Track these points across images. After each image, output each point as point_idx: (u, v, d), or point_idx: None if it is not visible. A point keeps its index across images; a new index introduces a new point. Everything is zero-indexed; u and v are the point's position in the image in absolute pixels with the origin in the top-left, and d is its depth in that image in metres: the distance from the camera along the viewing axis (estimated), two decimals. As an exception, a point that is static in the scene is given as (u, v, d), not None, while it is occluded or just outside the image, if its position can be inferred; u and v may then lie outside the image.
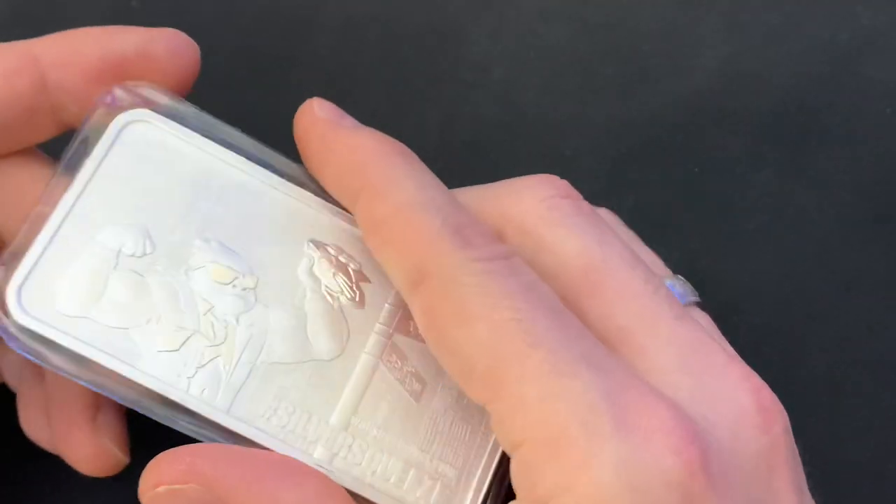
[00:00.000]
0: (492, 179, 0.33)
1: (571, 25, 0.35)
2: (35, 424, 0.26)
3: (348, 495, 0.21)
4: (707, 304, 0.29)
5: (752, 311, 0.32)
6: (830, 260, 0.33)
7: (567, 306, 0.21)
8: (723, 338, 0.24)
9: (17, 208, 0.23)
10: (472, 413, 0.22)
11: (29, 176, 0.23)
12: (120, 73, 0.23)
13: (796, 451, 0.22)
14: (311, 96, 0.33)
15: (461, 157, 0.33)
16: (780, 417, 0.21)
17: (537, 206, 0.22)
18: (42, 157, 0.24)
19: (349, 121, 0.23)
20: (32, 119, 0.23)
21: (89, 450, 0.25)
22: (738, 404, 0.21)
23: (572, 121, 0.33)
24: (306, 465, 0.21)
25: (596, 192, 0.33)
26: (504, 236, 0.22)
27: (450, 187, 0.32)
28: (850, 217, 0.33)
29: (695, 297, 0.24)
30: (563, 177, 0.32)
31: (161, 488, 0.20)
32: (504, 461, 0.22)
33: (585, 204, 0.23)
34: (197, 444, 0.21)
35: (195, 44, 0.24)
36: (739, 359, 0.22)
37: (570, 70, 0.34)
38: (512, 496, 0.20)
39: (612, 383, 0.19)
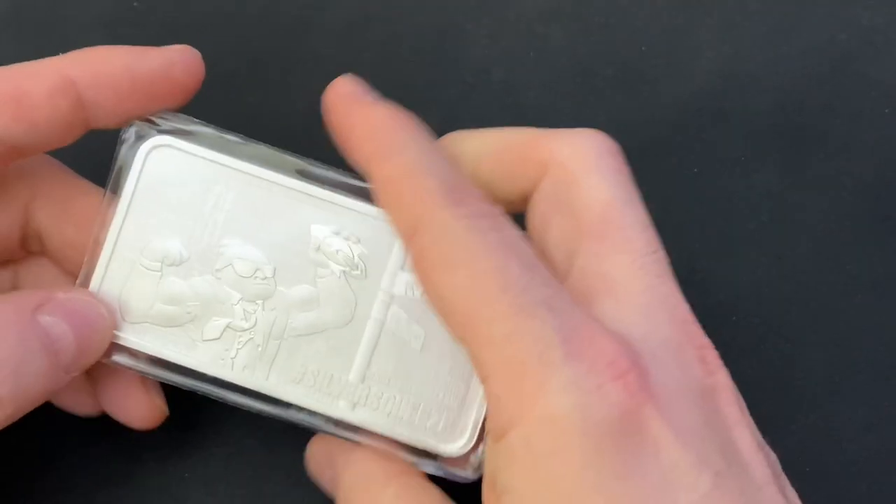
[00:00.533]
0: (492, 179, 0.33)
1: (571, 27, 0.35)
2: (75, 399, 0.29)
3: (400, 458, 0.26)
4: (707, 304, 0.29)
5: (752, 311, 0.32)
6: (830, 260, 0.33)
7: (574, 244, 0.25)
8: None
9: (78, 230, 0.27)
10: (466, 358, 0.24)
11: (85, 203, 0.28)
12: (147, 91, 0.26)
13: (744, 405, 0.24)
14: (311, 97, 0.33)
15: (461, 158, 0.33)
16: (721, 371, 0.23)
17: (585, 153, 0.25)
18: (89, 186, 0.29)
19: (370, 96, 0.26)
20: (69, 131, 0.26)
21: (145, 407, 0.28)
22: (683, 351, 0.23)
23: (572, 121, 0.33)
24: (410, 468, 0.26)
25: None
26: (548, 171, 0.26)
27: (450, 187, 0.32)
28: (849, 217, 0.33)
29: None
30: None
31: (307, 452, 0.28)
32: None
33: (628, 167, 0.25)
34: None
35: (201, 57, 0.27)
36: (699, 327, 0.24)
37: (570, 71, 0.34)
38: None
39: (567, 322, 0.22)
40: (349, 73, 0.26)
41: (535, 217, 0.26)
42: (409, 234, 0.24)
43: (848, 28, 0.35)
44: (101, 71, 0.26)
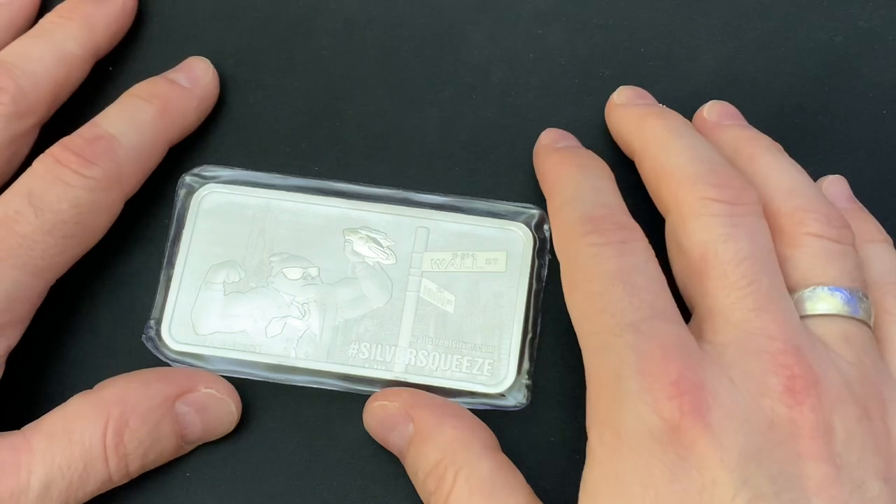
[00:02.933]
0: (492, 179, 0.33)
1: (570, 27, 0.35)
2: None
3: (494, 437, 0.29)
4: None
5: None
6: (828, 260, 0.33)
7: (685, 279, 0.29)
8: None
9: None
10: (493, 310, 0.31)
11: None
12: None
13: (837, 440, 0.25)
14: (311, 98, 0.34)
15: (461, 158, 0.33)
16: (808, 404, 0.25)
17: (694, 201, 0.28)
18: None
19: (563, 143, 0.32)
20: None
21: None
22: (764, 380, 0.25)
23: (571, 122, 0.33)
24: (466, 410, 0.29)
25: (595, 192, 0.33)
26: (667, 210, 0.29)
27: (450, 188, 0.32)
28: (847, 218, 0.33)
29: (846, 313, 0.27)
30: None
31: (377, 403, 0.29)
32: (525, 338, 0.31)
33: (740, 208, 0.28)
34: (404, 388, 0.30)
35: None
36: (800, 357, 0.26)
37: (569, 72, 0.34)
38: (534, 366, 0.31)
39: (647, 343, 0.26)
40: (551, 129, 0.33)
41: (669, 244, 0.30)
42: (559, 257, 0.29)
43: (845, 30, 0.35)
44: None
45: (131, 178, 0.30)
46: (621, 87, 0.33)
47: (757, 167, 0.30)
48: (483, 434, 0.28)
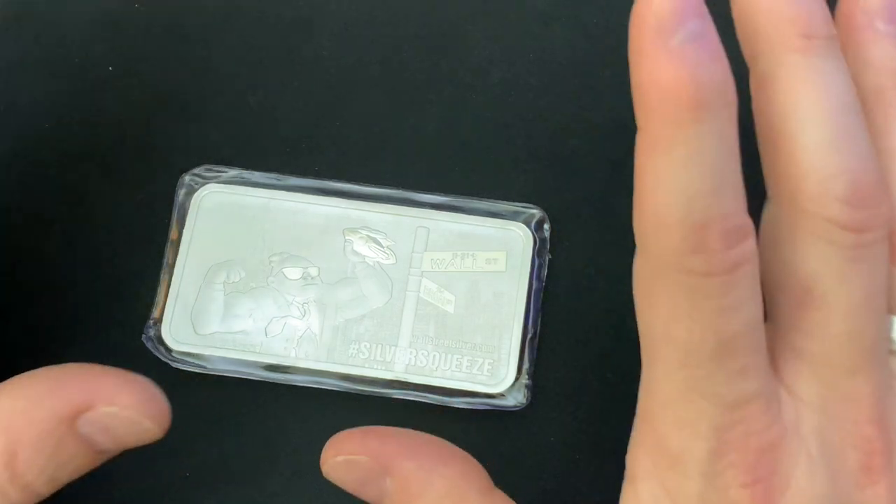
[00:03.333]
0: (492, 180, 0.33)
1: (570, 28, 0.35)
2: None
3: (486, 475, 0.25)
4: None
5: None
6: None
7: (776, 293, 0.23)
8: None
9: None
10: (493, 310, 0.31)
11: None
12: None
13: None
14: (311, 98, 0.34)
15: (461, 158, 0.33)
16: (885, 482, 0.22)
17: (815, 217, 0.22)
18: None
19: (685, 31, 0.20)
20: None
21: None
22: (843, 455, 0.23)
23: (571, 122, 0.33)
24: (452, 446, 0.25)
25: (595, 193, 0.33)
26: (776, 196, 0.23)
27: (450, 188, 0.32)
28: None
29: None
30: (563, 178, 0.33)
31: (340, 458, 0.24)
32: (525, 338, 0.30)
33: (868, 236, 0.22)
34: (368, 427, 0.25)
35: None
36: (883, 428, 0.23)
37: (569, 72, 0.34)
38: (534, 366, 0.30)
39: (729, 420, 0.22)
40: None
41: (764, 231, 0.24)
42: (638, 249, 0.22)
43: (845, 30, 0.35)
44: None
45: None
46: None
47: (888, 130, 0.24)
48: (476, 476, 0.24)
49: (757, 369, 0.22)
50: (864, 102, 0.23)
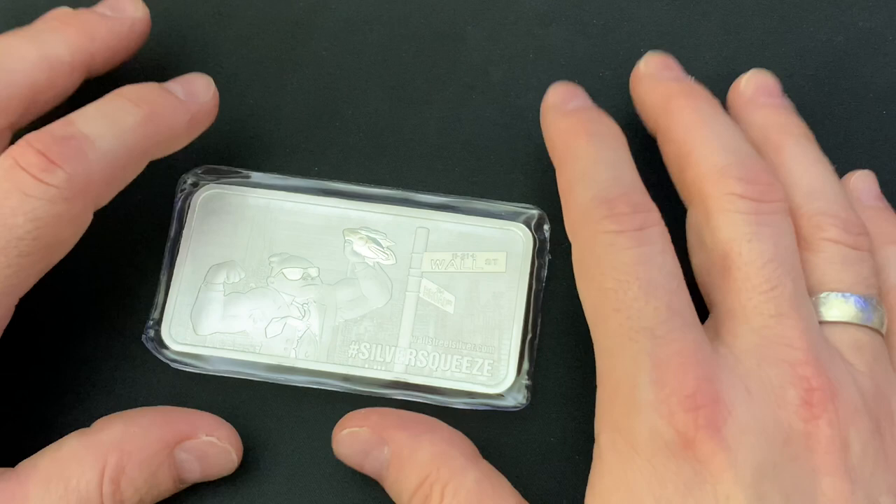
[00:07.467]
0: (492, 180, 0.33)
1: (570, 28, 0.35)
2: None
3: (473, 446, 0.28)
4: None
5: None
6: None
7: (705, 274, 0.28)
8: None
9: None
10: (493, 311, 0.31)
11: None
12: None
13: (853, 454, 0.24)
14: (310, 98, 0.34)
15: (461, 158, 0.33)
16: (825, 417, 0.24)
17: (719, 195, 0.27)
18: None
19: (574, 103, 0.30)
20: None
21: None
22: (782, 392, 0.25)
23: (571, 122, 0.33)
24: (442, 423, 0.28)
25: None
26: (690, 200, 0.28)
27: (450, 188, 0.32)
28: (846, 218, 0.33)
29: (859, 321, 0.27)
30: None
31: (345, 431, 0.28)
32: (525, 338, 0.30)
33: (767, 205, 0.27)
34: (370, 408, 0.29)
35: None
36: (819, 369, 0.25)
37: (569, 72, 0.34)
38: (534, 366, 0.30)
39: (663, 350, 0.25)
40: (562, 82, 0.31)
41: (689, 236, 0.29)
42: (571, 240, 0.27)
43: (845, 30, 0.35)
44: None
45: (101, 189, 0.27)
46: (648, 54, 0.31)
47: (783, 159, 0.29)
48: (462, 445, 0.28)
49: (682, 312, 0.25)
50: (757, 150, 0.29)
